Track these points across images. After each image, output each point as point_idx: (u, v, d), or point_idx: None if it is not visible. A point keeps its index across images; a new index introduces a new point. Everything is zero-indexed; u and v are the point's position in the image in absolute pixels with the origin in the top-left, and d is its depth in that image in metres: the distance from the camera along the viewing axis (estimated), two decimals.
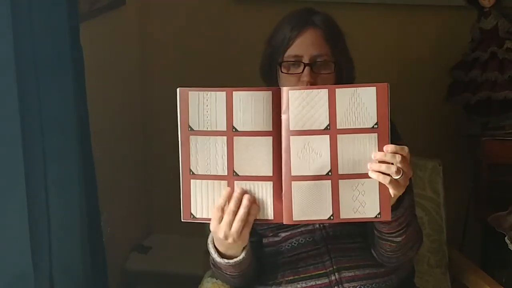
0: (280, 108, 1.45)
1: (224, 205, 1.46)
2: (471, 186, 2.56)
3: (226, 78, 2.68)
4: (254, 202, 1.46)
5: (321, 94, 1.44)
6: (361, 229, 1.71)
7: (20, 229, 1.44)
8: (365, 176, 1.43)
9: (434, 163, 2.18)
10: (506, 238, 2.17)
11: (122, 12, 2.58)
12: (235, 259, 1.57)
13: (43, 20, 1.45)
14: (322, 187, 1.44)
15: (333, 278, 1.70)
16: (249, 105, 1.45)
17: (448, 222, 2.17)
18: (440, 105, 2.62)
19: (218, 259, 1.58)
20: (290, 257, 1.71)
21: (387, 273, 1.73)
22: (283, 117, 1.45)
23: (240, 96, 1.45)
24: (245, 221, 1.46)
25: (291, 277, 1.71)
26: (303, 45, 1.71)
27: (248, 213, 1.46)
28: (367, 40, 2.65)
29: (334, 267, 1.70)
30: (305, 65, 1.69)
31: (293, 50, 1.71)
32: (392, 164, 1.42)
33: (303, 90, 1.45)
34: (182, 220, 1.48)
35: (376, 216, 1.45)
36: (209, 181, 1.46)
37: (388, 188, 1.44)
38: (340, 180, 1.44)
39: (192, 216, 1.47)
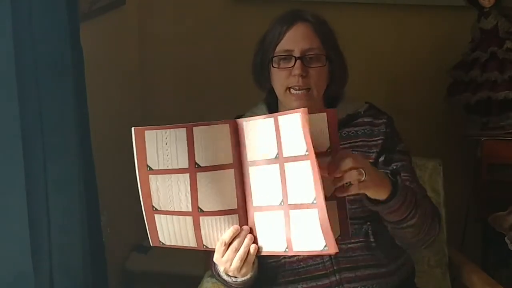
0: (239, 139, 1.42)
1: (229, 241, 1.45)
2: (471, 186, 2.56)
3: (226, 78, 2.68)
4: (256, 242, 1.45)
5: (269, 123, 1.40)
6: (363, 227, 1.71)
7: (20, 229, 1.44)
8: (307, 206, 1.36)
9: (434, 163, 2.18)
10: (506, 238, 2.17)
11: (122, 12, 2.58)
12: (242, 279, 1.57)
13: (43, 20, 1.45)
14: (278, 218, 1.41)
15: (333, 278, 1.70)
16: (210, 139, 1.41)
17: (448, 222, 2.17)
18: (440, 105, 2.62)
19: (225, 277, 1.58)
20: (290, 257, 1.71)
21: (388, 273, 1.73)
22: (241, 148, 1.42)
23: (200, 132, 1.40)
24: (244, 260, 1.47)
25: (292, 278, 1.71)
26: (294, 39, 1.71)
27: (248, 252, 1.46)
28: (367, 40, 2.65)
29: (335, 267, 1.70)
30: (296, 58, 1.69)
31: (284, 44, 1.71)
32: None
33: (256, 120, 1.42)
34: (151, 245, 1.48)
35: (323, 249, 1.36)
36: (174, 216, 1.44)
37: (326, 218, 1.35)
38: (290, 211, 1.39)
39: (161, 243, 1.47)
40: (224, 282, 1.64)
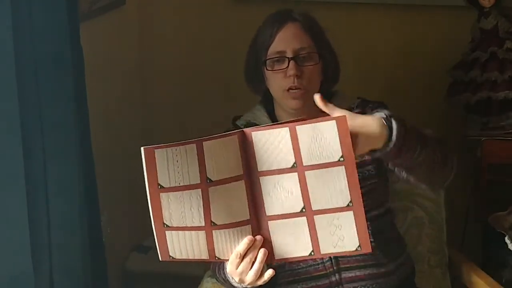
0: (247, 150, 1.42)
1: (243, 252, 1.44)
2: (471, 186, 2.56)
3: (226, 78, 2.68)
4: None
5: (283, 133, 1.41)
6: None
7: (20, 229, 1.44)
8: (339, 210, 1.41)
9: None
10: (506, 238, 2.18)
11: (122, 12, 2.58)
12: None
13: (43, 20, 1.44)
14: (299, 224, 1.43)
15: (333, 279, 1.70)
16: (220, 153, 1.40)
17: (448, 222, 2.17)
18: (440, 105, 2.62)
19: (236, 284, 1.56)
20: None
21: (387, 273, 1.73)
22: (250, 158, 1.42)
23: (210, 146, 1.39)
24: (259, 274, 1.46)
25: (292, 278, 1.71)
26: (285, 40, 1.71)
27: (262, 266, 1.45)
28: (367, 40, 2.65)
29: (335, 267, 1.70)
30: (289, 59, 1.69)
31: (276, 46, 1.71)
32: None
33: (265, 131, 1.42)
34: (160, 260, 1.45)
35: (356, 249, 1.42)
36: (186, 232, 1.42)
37: (364, 219, 1.40)
38: (315, 216, 1.42)
39: (171, 258, 1.45)
40: (227, 283, 1.63)
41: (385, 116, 1.46)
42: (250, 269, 1.45)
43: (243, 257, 1.44)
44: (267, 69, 1.72)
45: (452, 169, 1.65)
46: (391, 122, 1.46)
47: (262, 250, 1.44)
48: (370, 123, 1.44)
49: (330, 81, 1.79)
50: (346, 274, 1.70)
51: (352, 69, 2.53)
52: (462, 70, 2.45)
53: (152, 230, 1.42)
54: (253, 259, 1.45)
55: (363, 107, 1.77)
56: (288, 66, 1.69)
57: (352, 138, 1.38)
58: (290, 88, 1.70)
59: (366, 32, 2.65)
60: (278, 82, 1.71)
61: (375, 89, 2.62)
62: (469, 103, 2.42)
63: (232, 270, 1.47)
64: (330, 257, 1.70)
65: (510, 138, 2.40)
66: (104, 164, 1.88)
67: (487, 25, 2.41)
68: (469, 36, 2.47)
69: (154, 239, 1.43)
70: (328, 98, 1.81)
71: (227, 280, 1.60)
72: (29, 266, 1.46)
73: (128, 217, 2.67)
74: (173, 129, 2.70)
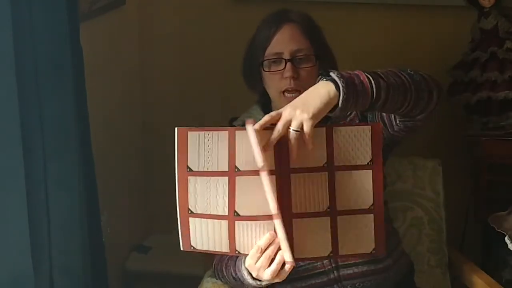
0: (282, 146, 1.42)
1: (265, 247, 1.44)
2: (471, 186, 2.56)
3: (226, 78, 2.68)
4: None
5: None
6: None
7: (20, 229, 1.44)
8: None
9: (434, 163, 2.18)
10: (506, 238, 2.17)
11: (122, 12, 2.58)
12: (267, 283, 1.55)
13: (43, 20, 1.44)
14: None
15: (332, 276, 1.71)
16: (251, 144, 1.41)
17: (448, 222, 2.17)
18: (440, 105, 2.62)
19: (250, 280, 1.56)
20: None
21: (385, 269, 1.73)
22: (282, 155, 1.42)
23: (242, 135, 1.40)
24: (275, 274, 1.45)
25: (290, 276, 1.70)
26: (282, 41, 1.71)
27: (282, 265, 1.45)
28: (366, 40, 2.65)
29: (333, 265, 1.71)
30: (286, 61, 1.69)
31: (273, 47, 1.72)
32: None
33: None
34: (182, 249, 1.47)
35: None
36: (209, 220, 1.44)
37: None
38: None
39: (192, 248, 1.46)
40: (239, 280, 1.62)
41: (320, 77, 1.47)
42: (268, 266, 1.45)
43: (263, 252, 1.44)
44: (264, 70, 1.72)
45: (430, 89, 1.60)
46: (329, 77, 1.45)
47: (281, 252, 1.43)
48: (316, 87, 1.44)
49: None
50: (344, 271, 1.71)
51: (351, 69, 2.53)
52: (462, 70, 2.45)
53: (177, 218, 1.44)
54: (272, 256, 1.44)
55: None
56: (285, 68, 1.69)
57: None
58: (286, 90, 1.70)
59: (366, 32, 2.64)
60: (274, 83, 1.71)
61: None
62: (469, 103, 2.42)
63: (251, 264, 1.47)
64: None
65: (510, 138, 2.40)
66: (104, 164, 1.88)
67: (487, 25, 2.41)
68: (469, 36, 2.47)
69: (178, 227, 1.45)
70: None
71: (238, 278, 1.60)
72: (29, 266, 1.46)
73: (128, 217, 2.67)
74: (173, 129, 2.70)
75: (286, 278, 1.69)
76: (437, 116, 1.68)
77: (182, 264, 2.59)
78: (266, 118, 1.41)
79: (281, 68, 1.70)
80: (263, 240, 1.44)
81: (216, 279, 1.85)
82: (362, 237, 1.45)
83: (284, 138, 1.41)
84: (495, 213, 2.27)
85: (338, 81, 1.43)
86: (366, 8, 2.64)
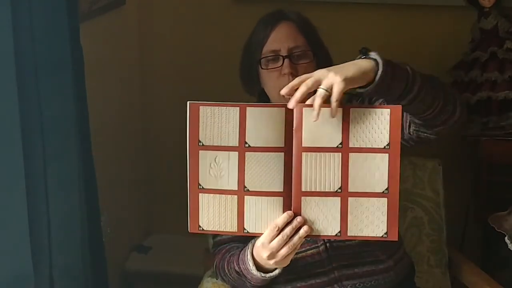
0: (292, 124, 1.44)
1: (282, 226, 1.45)
2: (471, 186, 2.56)
3: (226, 78, 2.68)
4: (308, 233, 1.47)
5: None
6: None
7: (20, 229, 1.44)
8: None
9: (434, 163, 2.18)
10: (506, 238, 2.17)
11: (122, 12, 2.58)
12: (270, 274, 1.57)
13: (43, 20, 1.44)
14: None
15: (332, 276, 1.71)
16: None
17: (448, 222, 2.17)
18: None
19: (254, 271, 1.57)
20: None
21: (386, 269, 1.74)
22: (295, 133, 1.44)
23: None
24: (293, 249, 1.47)
25: (290, 276, 1.71)
26: (279, 39, 1.72)
27: (300, 243, 1.46)
28: (367, 40, 2.64)
29: (333, 265, 1.71)
30: (283, 57, 1.70)
31: (270, 45, 1.72)
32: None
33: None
34: (189, 231, 1.48)
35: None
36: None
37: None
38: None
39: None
40: (241, 274, 1.62)
41: (359, 55, 1.46)
42: (282, 247, 1.45)
43: (280, 231, 1.45)
44: (262, 68, 1.73)
45: (455, 104, 1.57)
46: (368, 55, 1.45)
47: (304, 227, 1.45)
48: (357, 60, 1.44)
49: None
50: (344, 271, 1.71)
51: None
52: (462, 70, 2.45)
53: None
54: (289, 235, 1.45)
55: (357, 99, 1.77)
56: (282, 65, 1.70)
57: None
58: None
59: (366, 32, 2.64)
60: (273, 81, 1.72)
61: None
62: (469, 103, 2.42)
63: (264, 243, 1.47)
64: (328, 255, 1.70)
65: (510, 138, 2.40)
66: (104, 164, 1.88)
67: (487, 25, 2.41)
68: (469, 36, 2.47)
69: (188, 204, 1.46)
70: None
71: (241, 272, 1.60)
72: (29, 266, 1.46)
73: (128, 217, 2.67)
74: (173, 129, 2.70)
75: (286, 278, 1.70)
76: (449, 137, 1.67)
77: (182, 264, 2.60)
78: (295, 81, 1.42)
79: (279, 65, 1.71)
80: (281, 219, 1.45)
81: (217, 279, 1.85)
82: (373, 220, 1.45)
83: (299, 115, 1.43)
84: (495, 213, 2.27)
85: (378, 59, 1.43)
86: (366, 8, 2.64)
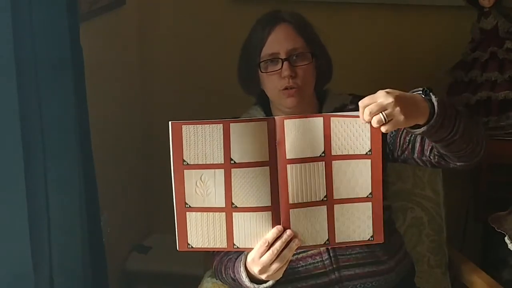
0: (275, 137, 1.44)
1: (272, 241, 1.45)
2: (471, 186, 2.56)
3: (226, 78, 2.68)
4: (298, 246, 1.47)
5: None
6: None
7: (20, 229, 1.44)
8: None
9: None
10: (506, 238, 2.17)
11: (122, 12, 2.58)
12: (264, 285, 1.56)
13: (43, 20, 1.44)
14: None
15: (333, 276, 1.70)
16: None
17: (448, 222, 2.17)
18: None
19: (248, 283, 1.56)
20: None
21: (387, 270, 1.73)
22: (278, 146, 1.44)
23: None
24: (285, 263, 1.47)
25: (291, 277, 1.71)
26: (277, 41, 1.72)
27: (291, 255, 1.46)
28: (367, 40, 2.65)
29: (334, 265, 1.71)
30: (282, 60, 1.70)
31: (268, 48, 1.72)
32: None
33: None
34: (178, 250, 1.47)
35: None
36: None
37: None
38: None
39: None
40: (237, 281, 1.62)
41: (421, 91, 1.48)
42: (273, 261, 1.45)
43: (270, 246, 1.44)
44: (261, 71, 1.72)
45: (482, 146, 1.61)
46: (429, 96, 1.47)
47: (295, 240, 1.45)
48: (416, 95, 1.47)
49: (323, 79, 1.80)
50: (345, 272, 1.71)
51: (351, 70, 2.54)
52: (462, 70, 2.45)
53: (173, 216, 1.45)
54: (279, 250, 1.44)
55: (357, 103, 1.77)
56: (282, 67, 1.69)
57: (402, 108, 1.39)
58: (285, 88, 1.71)
59: (365, 32, 2.64)
60: (273, 83, 1.72)
61: (375, 89, 2.62)
62: (469, 103, 2.42)
63: (255, 258, 1.47)
64: (329, 255, 1.70)
65: (510, 138, 2.40)
66: (104, 164, 1.88)
67: (487, 25, 2.41)
68: (469, 36, 2.47)
69: (174, 225, 1.46)
70: (321, 96, 1.82)
71: (236, 280, 1.60)
72: (29, 266, 1.46)
73: (128, 217, 2.67)
74: None
75: (287, 278, 1.70)
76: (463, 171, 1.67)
77: (182, 264, 2.59)
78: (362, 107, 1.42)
79: (278, 68, 1.70)
80: (270, 234, 1.44)
81: (216, 279, 1.85)
82: (359, 225, 1.46)
83: (281, 128, 1.43)
84: (495, 213, 2.27)
85: (435, 103, 1.45)
86: (365, 8, 2.64)
